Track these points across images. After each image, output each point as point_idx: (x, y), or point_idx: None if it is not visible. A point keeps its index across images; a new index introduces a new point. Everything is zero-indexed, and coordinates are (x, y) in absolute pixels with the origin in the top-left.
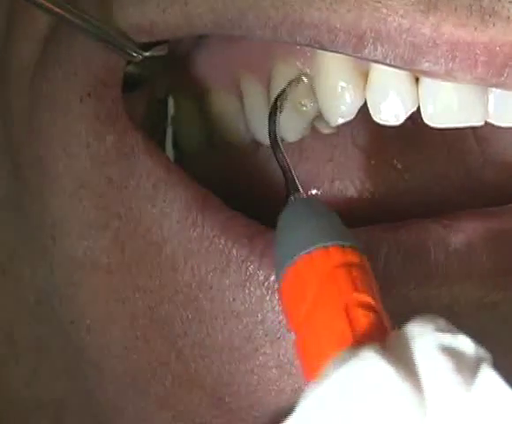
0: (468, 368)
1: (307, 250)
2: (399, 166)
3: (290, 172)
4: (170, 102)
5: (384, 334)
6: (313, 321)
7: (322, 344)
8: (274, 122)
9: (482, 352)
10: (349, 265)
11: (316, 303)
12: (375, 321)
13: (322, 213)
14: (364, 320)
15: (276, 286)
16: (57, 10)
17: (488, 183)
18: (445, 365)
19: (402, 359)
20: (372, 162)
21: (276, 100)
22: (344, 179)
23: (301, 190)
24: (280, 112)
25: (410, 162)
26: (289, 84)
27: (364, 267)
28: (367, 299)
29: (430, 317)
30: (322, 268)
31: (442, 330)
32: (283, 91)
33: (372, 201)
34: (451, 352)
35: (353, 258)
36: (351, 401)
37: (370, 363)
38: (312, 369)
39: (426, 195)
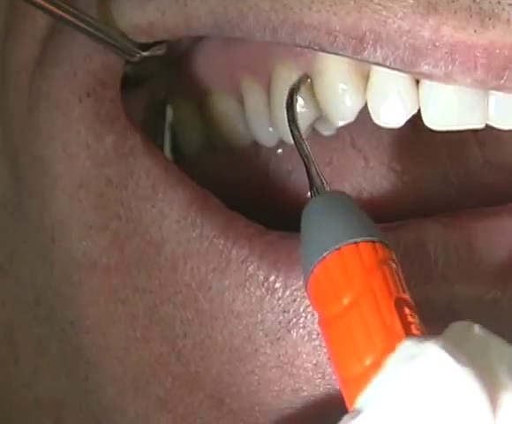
0: (508, 373)
1: (337, 246)
2: (398, 168)
3: (313, 164)
4: (169, 111)
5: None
6: (360, 313)
7: (372, 336)
8: (294, 116)
9: None
10: (391, 261)
11: (364, 295)
12: (419, 322)
13: (348, 207)
14: (411, 319)
15: (276, 286)
16: (56, 10)
17: (488, 184)
18: (500, 368)
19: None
20: (371, 164)
21: (291, 95)
22: (343, 182)
23: (325, 182)
24: (295, 103)
25: (409, 165)
26: (300, 80)
27: (397, 263)
28: (410, 299)
29: (464, 323)
30: (369, 262)
31: (480, 335)
32: (295, 86)
33: (370, 204)
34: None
35: (385, 254)
36: (424, 398)
37: (439, 360)
38: (357, 358)
39: (426, 197)
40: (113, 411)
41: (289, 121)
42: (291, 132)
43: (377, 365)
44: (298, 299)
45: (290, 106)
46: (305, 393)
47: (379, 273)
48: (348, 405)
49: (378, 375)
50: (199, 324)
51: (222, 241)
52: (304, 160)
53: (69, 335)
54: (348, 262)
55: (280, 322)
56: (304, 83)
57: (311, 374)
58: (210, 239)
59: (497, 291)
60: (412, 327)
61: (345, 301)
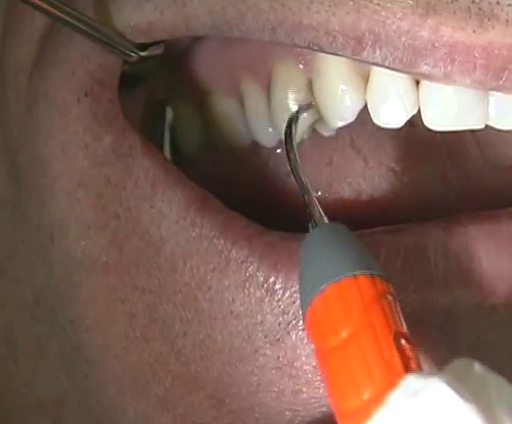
0: (507, 412)
1: (335, 278)
2: (397, 169)
3: (311, 195)
4: (169, 111)
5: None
6: (359, 347)
7: (371, 369)
8: (292, 145)
9: None
10: (389, 295)
11: (363, 329)
12: (417, 356)
13: (347, 240)
14: (410, 354)
15: (276, 287)
16: (54, 11)
17: (488, 186)
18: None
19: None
20: (370, 165)
21: (290, 124)
22: (342, 183)
23: (323, 214)
24: (295, 132)
25: (408, 166)
26: (299, 110)
27: (395, 297)
28: (408, 333)
29: (464, 361)
30: (367, 295)
31: (480, 373)
32: (294, 116)
33: (370, 205)
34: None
35: (383, 287)
36: None
37: (443, 395)
38: (354, 391)
39: (425, 198)
40: (113, 410)
41: (287, 150)
42: (289, 160)
43: (375, 399)
44: (298, 301)
45: (289, 135)
46: (305, 395)
47: (378, 307)
48: None
49: (380, 410)
50: (199, 324)
51: (222, 241)
52: (301, 191)
53: (68, 334)
54: (347, 295)
55: (279, 324)
56: (306, 111)
57: (310, 375)
58: (210, 239)
59: (497, 295)
60: (411, 362)
61: (344, 334)
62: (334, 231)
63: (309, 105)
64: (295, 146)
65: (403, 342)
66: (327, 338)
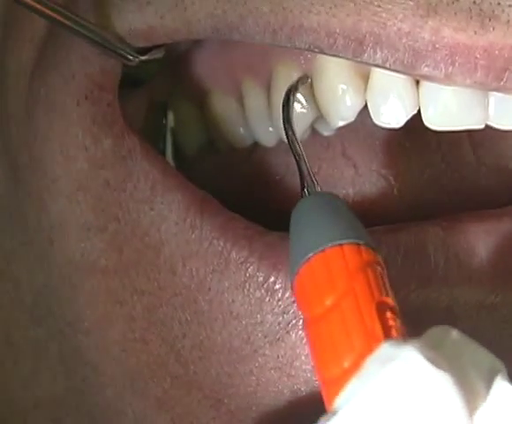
0: (483, 379)
1: (322, 247)
2: (389, 175)
3: (306, 165)
4: (170, 115)
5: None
6: (341, 315)
7: (352, 338)
8: (288, 114)
9: (497, 363)
10: (376, 264)
11: (345, 297)
12: (400, 326)
13: (337, 209)
14: (392, 323)
15: (276, 287)
16: (54, 15)
17: (483, 188)
18: (475, 373)
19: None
20: (361, 172)
21: (289, 94)
22: (333, 190)
23: (316, 183)
24: (292, 103)
25: (400, 171)
26: (298, 81)
27: (383, 267)
28: (393, 303)
29: (442, 328)
30: (352, 265)
31: (457, 340)
32: (293, 86)
33: (360, 212)
34: (468, 363)
35: (370, 257)
36: (400, 401)
37: (415, 362)
38: (335, 360)
39: (418, 204)
40: (111, 411)
41: (283, 120)
42: (285, 131)
43: (355, 367)
44: None
45: (287, 105)
46: (304, 394)
47: (362, 275)
48: (327, 406)
49: (355, 377)
50: (198, 325)
51: (222, 242)
52: (296, 159)
53: (67, 336)
54: (331, 264)
55: (279, 324)
56: (303, 84)
57: (309, 375)
58: (209, 241)
59: (497, 294)
60: (393, 330)
61: (327, 303)
62: (325, 200)
63: (306, 77)
64: (292, 116)
65: (387, 312)
66: (312, 307)
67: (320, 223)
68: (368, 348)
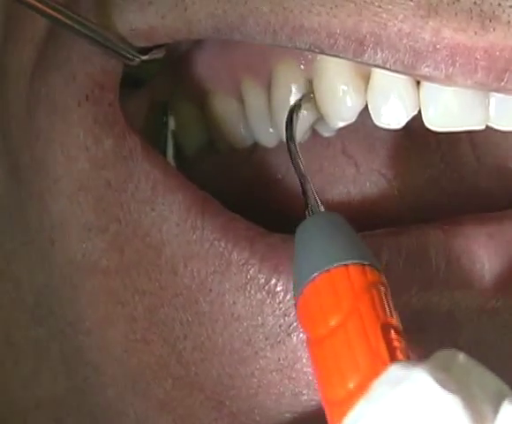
0: (490, 403)
1: (327, 268)
2: (389, 175)
3: (310, 185)
4: (171, 117)
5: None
6: (346, 336)
7: (357, 358)
8: (292, 135)
9: (504, 387)
10: (380, 285)
11: (351, 318)
12: (405, 347)
13: (341, 229)
14: (397, 344)
15: (277, 289)
16: (55, 14)
17: (482, 189)
18: (482, 396)
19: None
20: (362, 170)
21: (292, 110)
22: (334, 189)
23: (320, 203)
24: (296, 122)
25: (400, 170)
26: (301, 99)
27: (387, 287)
28: (398, 323)
29: (449, 351)
30: (358, 285)
31: (464, 363)
32: (297, 104)
33: (361, 211)
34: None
35: (374, 277)
36: (410, 423)
37: (425, 385)
38: (340, 381)
39: (418, 204)
40: (113, 412)
41: (287, 138)
42: (289, 149)
43: (360, 388)
44: None
45: (290, 124)
46: (305, 397)
47: (367, 296)
48: None
49: (363, 398)
50: (199, 326)
51: (223, 243)
52: (300, 180)
53: (68, 336)
54: (337, 284)
55: (280, 326)
56: (308, 102)
57: (310, 378)
58: (210, 242)
59: (498, 298)
60: (398, 352)
61: (332, 323)
62: (329, 220)
63: (309, 95)
64: (295, 135)
65: (392, 332)
66: (317, 327)
67: (325, 243)
68: (374, 369)
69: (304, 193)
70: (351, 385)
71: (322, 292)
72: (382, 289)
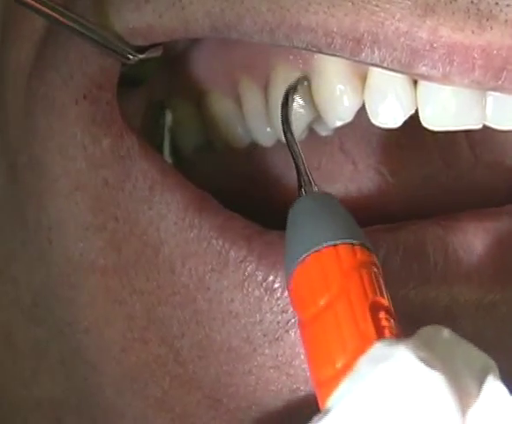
0: (475, 378)
1: (316, 248)
2: (387, 172)
3: (303, 165)
4: (168, 115)
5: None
6: (334, 316)
7: (345, 338)
8: (287, 114)
9: (489, 361)
10: (371, 264)
11: (339, 298)
12: (394, 326)
13: (333, 209)
14: (385, 323)
15: (275, 286)
16: (52, 13)
17: (480, 185)
18: (466, 372)
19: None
20: (360, 168)
21: (287, 95)
22: (331, 186)
23: (313, 184)
24: (291, 104)
25: (397, 167)
26: (297, 81)
27: (378, 267)
28: (387, 303)
29: (434, 327)
30: (346, 265)
31: (449, 340)
32: (292, 87)
33: (359, 208)
34: (459, 362)
35: (364, 257)
36: (392, 401)
37: (407, 362)
38: (328, 360)
39: (415, 200)
40: (111, 411)
41: (282, 121)
42: (284, 131)
43: (348, 368)
44: None
45: (285, 106)
46: (303, 393)
47: (356, 276)
48: (320, 406)
49: (348, 377)
50: (197, 324)
51: (221, 242)
52: (294, 160)
53: (67, 336)
54: (326, 264)
55: (278, 323)
56: (302, 84)
57: (308, 374)
58: (208, 240)
59: (496, 292)
60: (386, 330)
61: (321, 303)
62: (321, 200)
63: (304, 78)
64: (290, 117)
65: (381, 312)
66: (306, 308)
67: (316, 223)
68: (361, 348)
69: (298, 173)
70: (339, 364)
71: (312, 273)
72: (373, 268)
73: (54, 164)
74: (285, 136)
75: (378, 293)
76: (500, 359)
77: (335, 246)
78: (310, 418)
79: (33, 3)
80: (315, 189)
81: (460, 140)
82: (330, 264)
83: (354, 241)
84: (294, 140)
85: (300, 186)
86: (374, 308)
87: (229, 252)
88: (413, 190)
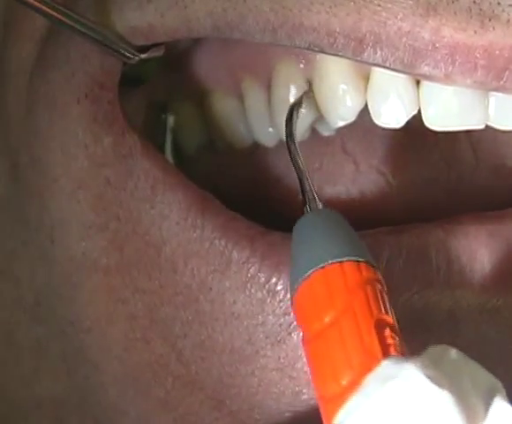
0: (482, 398)
1: (322, 264)
2: (388, 173)
3: (308, 181)
4: (170, 115)
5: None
6: (340, 333)
7: (350, 355)
8: (292, 130)
9: (496, 382)
10: (376, 282)
11: (344, 315)
12: (399, 344)
13: (338, 226)
14: (391, 341)
15: (277, 288)
16: (53, 13)
17: (482, 187)
18: (474, 392)
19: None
20: (361, 168)
21: (292, 108)
22: (333, 187)
23: (318, 200)
24: (296, 119)
25: (399, 169)
26: (302, 96)
27: (383, 284)
28: (392, 320)
29: (442, 347)
30: (352, 282)
31: (457, 359)
32: (297, 102)
33: (360, 209)
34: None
35: (369, 274)
36: (400, 419)
37: (416, 380)
38: (334, 377)
39: (417, 202)
40: (113, 411)
41: (286, 136)
42: (288, 147)
43: (354, 385)
44: None
45: (290, 121)
46: (305, 396)
47: (361, 293)
48: (325, 423)
49: (355, 395)
50: (200, 325)
51: (223, 242)
52: (298, 176)
53: (69, 335)
54: (331, 281)
55: (281, 325)
56: (307, 98)
57: (311, 377)
58: (211, 240)
59: (499, 296)
60: (391, 348)
61: (326, 320)
62: (326, 217)
63: (309, 93)
64: (294, 132)
65: (386, 329)
66: (311, 324)
67: (321, 240)
68: (366, 366)
69: (303, 189)
70: (344, 382)
71: (317, 289)
72: (378, 286)
73: (56, 163)
74: (289, 152)
75: (383, 311)
76: (502, 364)
77: (340, 262)
78: (311, 420)
79: (35, 2)
80: (320, 205)
81: (462, 142)
82: (335, 281)
83: (359, 258)
84: (299, 155)
85: (305, 203)
86: (380, 326)
87: (232, 252)
88: (414, 191)
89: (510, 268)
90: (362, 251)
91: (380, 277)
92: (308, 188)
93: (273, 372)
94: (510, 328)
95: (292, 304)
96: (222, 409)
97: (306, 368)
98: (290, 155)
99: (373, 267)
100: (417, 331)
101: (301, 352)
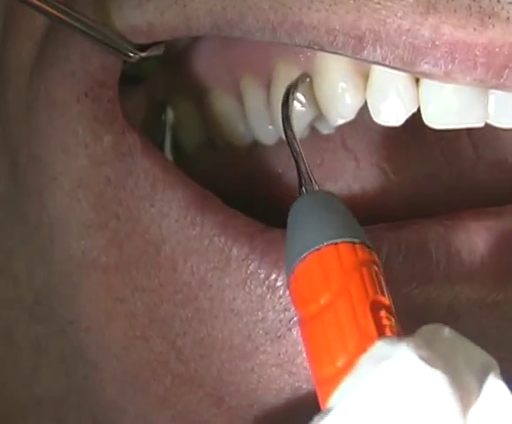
0: (476, 376)
1: (317, 247)
2: (389, 169)
3: (304, 163)
4: (170, 112)
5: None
6: (335, 314)
7: (345, 337)
8: (288, 112)
9: (490, 360)
10: (372, 263)
11: (340, 296)
12: (395, 325)
13: (334, 207)
14: (386, 322)
15: (277, 284)
16: (53, 11)
17: (482, 183)
18: (467, 370)
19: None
20: (362, 165)
21: (288, 92)
22: (334, 183)
23: (314, 182)
24: (292, 102)
25: (399, 165)
26: (298, 79)
27: (379, 265)
28: (388, 302)
29: (435, 326)
30: (347, 264)
31: (450, 338)
32: (293, 84)
33: (361, 205)
34: (460, 360)
35: (365, 256)
36: (394, 400)
37: (409, 361)
38: (329, 359)
39: (417, 198)
40: (113, 409)
41: (283, 118)
42: (284, 129)
43: (349, 366)
44: None
45: (286, 104)
46: (305, 392)
47: (356, 274)
48: (321, 405)
49: (349, 376)
50: (199, 323)
51: (223, 239)
52: (294, 158)
53: (68, 334)
54: (327, 263)
55: (281, 321)
56: (303, 82)
57: (310, 373)
58: (210, 238)
59: (498, 291)
60: (387, 329)
61: (322, 302)
62: (321, 199)
63: (305, 75)
64: (291, 115)
65: (382, 310)
66: (307, 306)
67: (316, 221)
68: (361, 347)
69: (299, 171)
70: (339, 363)
71: (312, 271)
72: (374, 267)
73: (55, 162)
74: (285, 134)
75: (379, 292)
76: (502, 358)
77: (335, 244)
78: (311, 416)
79: (35, 0)
80: (316, 187)
81: (462, 139)
82: (331, 263)
83: (355, 240)
84: (295, 137)
85: (301, 185)
86: (375, 307)
87: (232, 249)
88: (415, 188)
89: (510, 263)
90: (358, 232)
91: (376, 259)
92: (304, 170)
93: (272, 368)
94: (510, 321)
95: (288, 287)
96: (221, 406)
97: (306, 364)
98: (287, 138)
99: (369, 248)
100: (417, 326)
101: (301, 347)
